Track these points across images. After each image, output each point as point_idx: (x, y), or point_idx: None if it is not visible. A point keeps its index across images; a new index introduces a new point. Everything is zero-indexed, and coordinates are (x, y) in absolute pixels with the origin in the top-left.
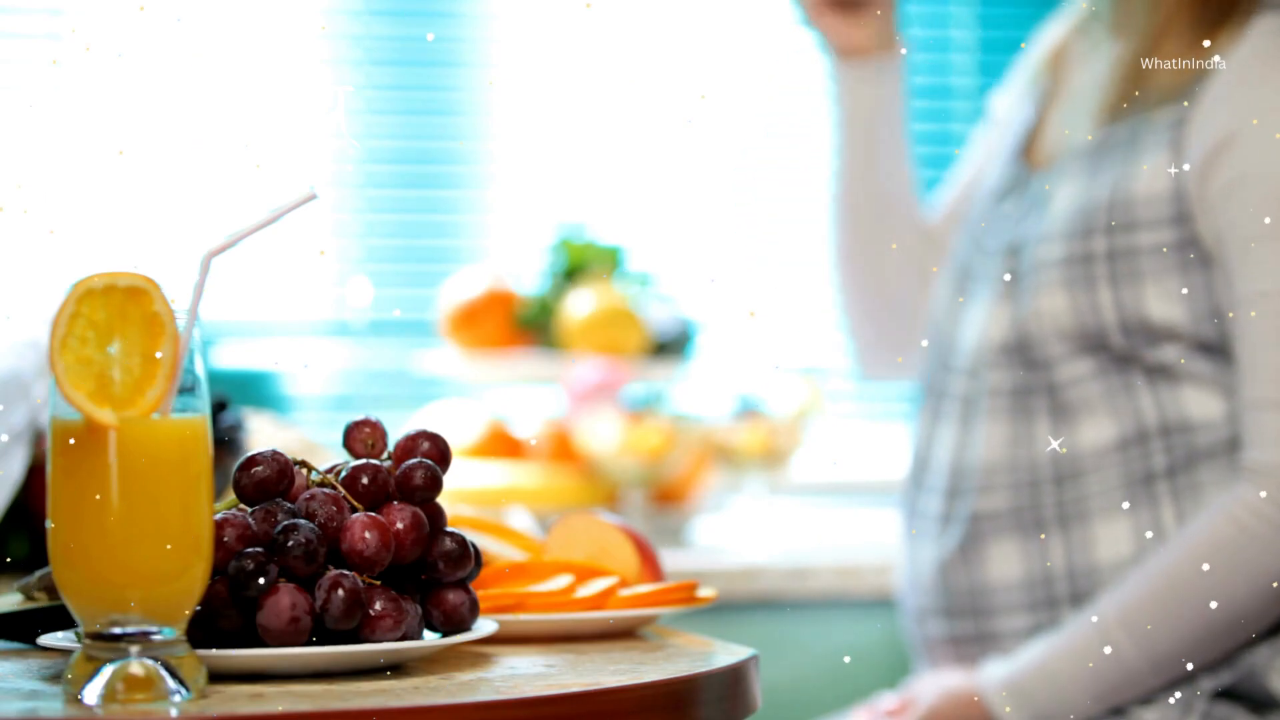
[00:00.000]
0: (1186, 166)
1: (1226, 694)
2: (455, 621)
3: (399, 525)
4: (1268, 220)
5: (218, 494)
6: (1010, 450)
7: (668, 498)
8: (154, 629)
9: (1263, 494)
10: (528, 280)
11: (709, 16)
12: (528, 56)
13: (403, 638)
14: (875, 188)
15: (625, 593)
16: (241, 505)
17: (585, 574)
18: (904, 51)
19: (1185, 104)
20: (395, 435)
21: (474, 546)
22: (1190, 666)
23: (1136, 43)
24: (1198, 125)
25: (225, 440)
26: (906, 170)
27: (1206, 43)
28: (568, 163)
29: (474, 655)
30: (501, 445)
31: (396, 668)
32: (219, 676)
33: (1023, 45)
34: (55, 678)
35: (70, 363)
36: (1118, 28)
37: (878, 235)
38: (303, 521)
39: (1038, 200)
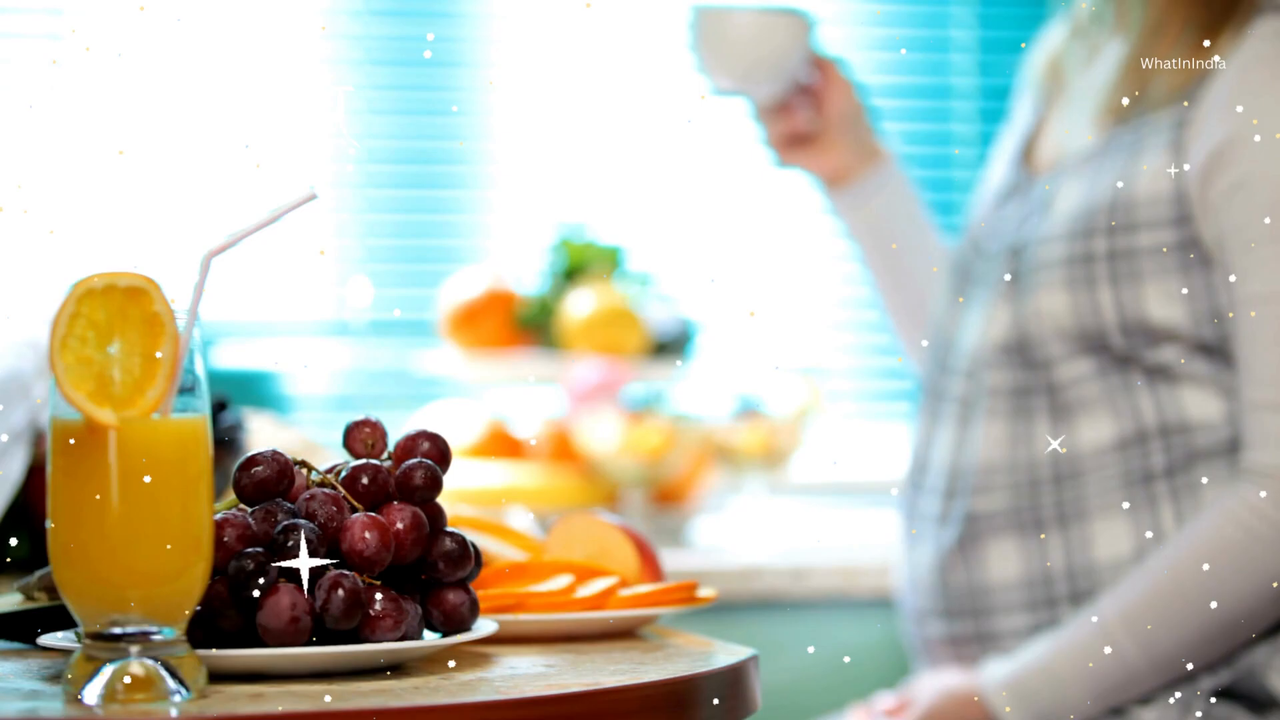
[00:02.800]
0: (1187, 167)
1: (1226, 693)
2: (455, 621)
3: (399, 525)
4: (1269, 223)
5: (218, 494)
6: (1009, 450)
7: (668, 498)
8: (154, 629)
9: (1264, 494)
10: (528, 280)
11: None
12: (528, 56)
13: (403, 638)
14: (904, 269)
15: (625, 593)
16: (241, 505)
17: (585, 574)
18: (893, 154)
19: (1186, 105)
20: (395, 435)
21: (474, 546)
22: (1191, 666)
23: (1137, 43)
24: (1199, 127)
25: (225, 440)
26: (930, 238)
27: (1207, 43)
28: (568, 163)
29: (474, 655)
30: (501, 445)
31: (396, 668)
32: (219, 676)
33: (1023, 45)
34: (55, 678)
35: (70, 363)
36: (1119, 27)
37: (916, 289)
38: (303, 521)
39: (1039, 203)
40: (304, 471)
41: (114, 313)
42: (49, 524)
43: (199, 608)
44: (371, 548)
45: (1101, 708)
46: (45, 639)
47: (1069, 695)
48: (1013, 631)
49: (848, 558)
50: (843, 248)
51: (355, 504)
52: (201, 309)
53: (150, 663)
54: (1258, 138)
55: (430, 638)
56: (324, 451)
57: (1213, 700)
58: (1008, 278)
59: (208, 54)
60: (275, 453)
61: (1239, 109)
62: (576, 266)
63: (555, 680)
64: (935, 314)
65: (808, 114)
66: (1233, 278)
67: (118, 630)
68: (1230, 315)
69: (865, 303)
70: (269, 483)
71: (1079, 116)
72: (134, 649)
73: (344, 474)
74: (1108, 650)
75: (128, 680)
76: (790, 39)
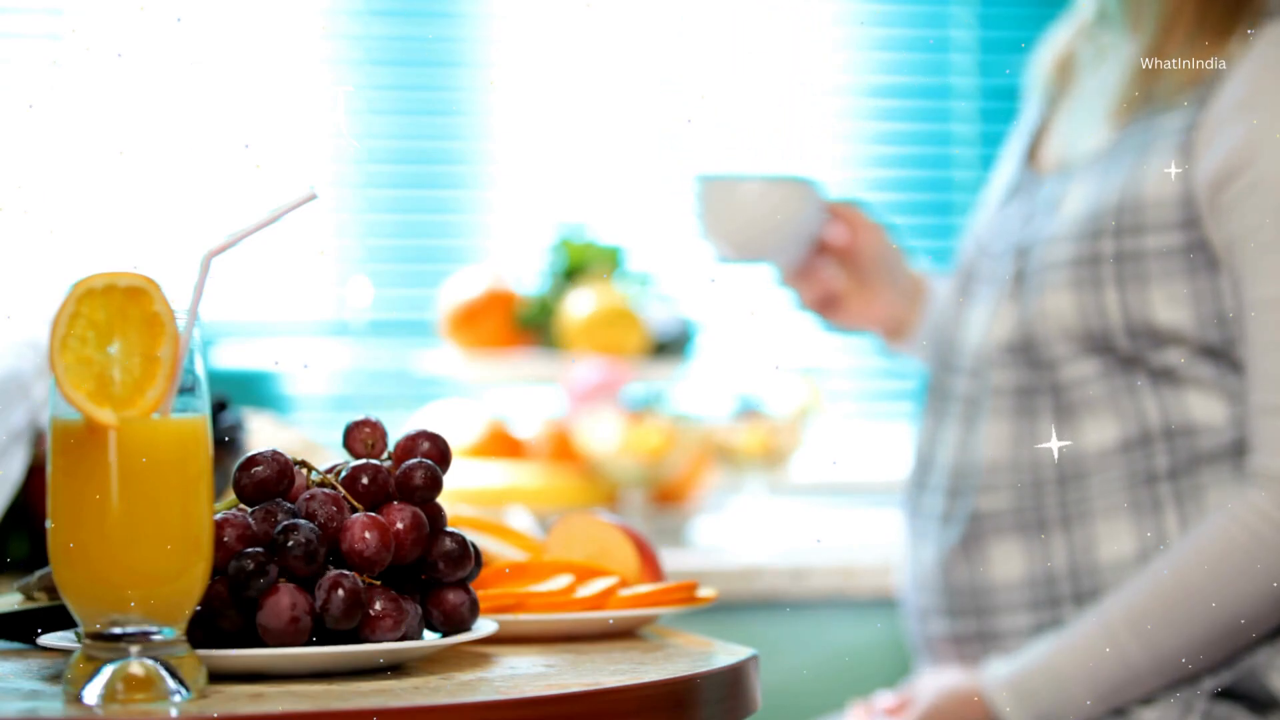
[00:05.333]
0: (1197, 171)
1: (1227, 694)
2: (455, 621)
3: (399, 525)
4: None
5: (218, 494)
6: (1013, 449)
7: (668, 498)
8: (154, 629)
9: (1269, 498)
10: (528, 280)
11: (709, 15)
12: (528, 56)
13: (403, 638)
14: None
15: (625, 593)
16: (241, 505)
17: (585, 574)
18: (929, 279)
19: (1196, 107)
20: (395, 435)
21: (474, 546)
22: (1194, 668)
23: (1149, 43)
24: (1209, 131)
25: (225, 440)
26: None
27: (1218, 43)
28: (568, 163)
29: (474, 655)
30: (501, 445)
31: (396, 668)
32: (219, 676)
33: (1023, 45)
34: (55, 678)
35: (70, 363)
36: (1133, 28)
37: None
38: (303, 521)
39: (1045, 203)
40: (304, 471)
41: (114, 313)
42: (49, 524)
43: (199, 608)
44: (371, 548)
45: (1103, 708)
46: (45, 639)
47: (1071, 695)
48: (1015, 631)
49: (848, 558)
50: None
51: (355, 504)
52: (201, 309)
53: (150, 663)
54: (1272, 143)
55: (430, 638)
56: (324, 451)
57: (1214, 700)
58: (1013, 277)
59: (208, 54)
60: (275, 453)
61: (1251, 113)
62: (576, 266)
63: (555, 680)
64: (938, 313)
65: (832, 271)
66: (1241, 281)
67: (118, 630)
68: (1236, 319)
69: None
70: (269, 483)
71: (1088, 117)
72: (134, 649)
73: (344, 474)
74: (1111, 651)
75: (127, 680)
76: (796, 205)
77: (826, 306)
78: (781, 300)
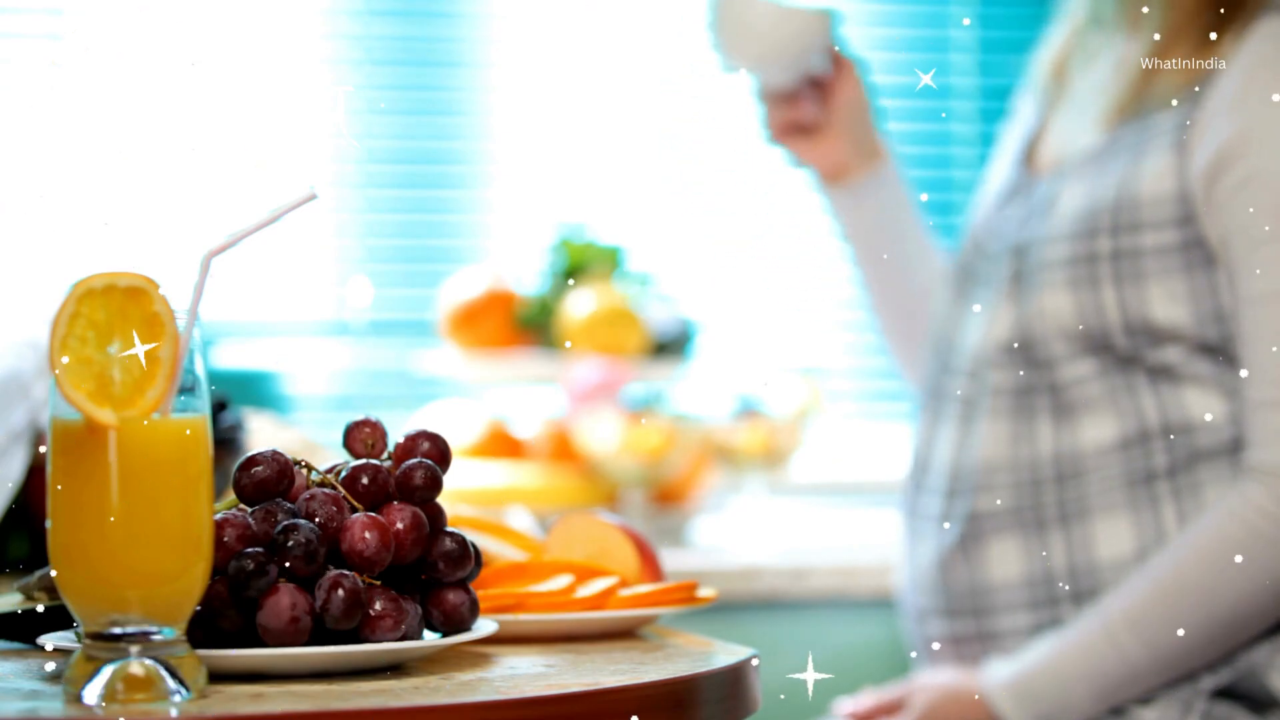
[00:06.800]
0: (1191, 166)
1: (1226, 693)
2: (455, 621)
3: (399, 525)
4: (1274, 221)
5: (218, 494)
6: (1011, 449)
7: (668, 498)
8: (154, 629)
9: (1268, 494)
10: (528, 280)
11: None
12: (528, 56)
13: (403, 638)
14: (896, 276)
15: (625, 593)
16: (241, 505)
17: (585, 574)
18: (893, 159)
19: (1191, 105)
20: (395, 435)
21: (474, 546)
22: (1194, 665)
23: (1145, 44)
24: (1204, 127)
25: (225, 440)
26: (924, 245)
27: (1211, 42)
28: (568, 163)
29: (474, 655)
30: (501, 445)
31: (396, 668)
32: (219, 676)
33: (1023, 46)
34: (55, 678)
35: (70, 363)
36: (1129, 28)
37: (908, 300)
38: (303, 521)
39: (1042, 203)
40: (304, 471)
41: (114, 313)
42: (49, 524)
43: (199, 608)
44: (371, 548)
45: (1103, 707)
46: (45, 639)
47: (1072, 695)
48: (1014, 631)
49: (848, 558)
50: (842, 247)
51: (355, 504)
52: (201, 309)
53: (150, 663)
54: (1266, 139)
55: (430, 638)
56: (324, 451)
57: (1214, 700)
58: (1010, 278)
59: (208, 54)
60: (275, 453)
61: (1244, 109)
62: (576, 266)
63: (555, 680)
64: (937, 314)
65: (813, 106)
66: (1237, 276)
67: (118, 630)
68: (1233, 315)
69: (866, 302)
70: (269, 483)
71: (1082, 117)
72: (134, 649)
73: (344, 474)
74: (1111, 650)
75: (128, 680)
76: (809, 32)
77: (792, 132)
78: (776, 292)
